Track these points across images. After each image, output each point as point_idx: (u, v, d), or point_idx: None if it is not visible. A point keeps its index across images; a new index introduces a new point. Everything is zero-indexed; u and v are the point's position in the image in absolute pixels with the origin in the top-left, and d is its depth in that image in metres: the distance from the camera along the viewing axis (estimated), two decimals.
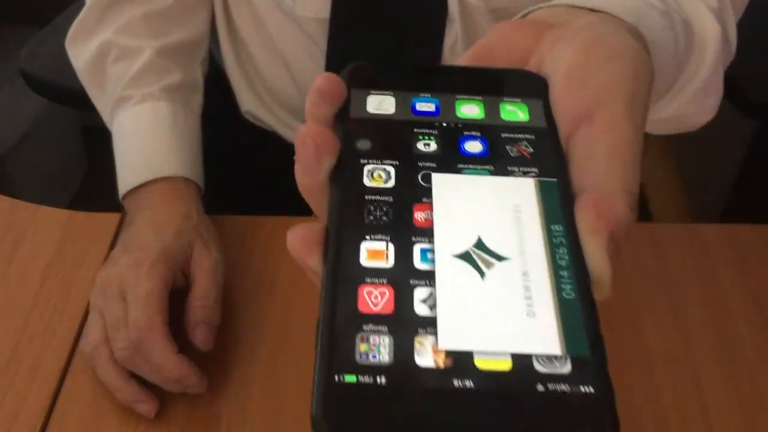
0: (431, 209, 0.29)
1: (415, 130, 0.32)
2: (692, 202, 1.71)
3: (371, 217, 0.29)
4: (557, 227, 0.29)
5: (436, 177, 0.30)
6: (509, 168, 0.30)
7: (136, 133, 0.73)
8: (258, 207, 0.80)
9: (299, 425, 0.60)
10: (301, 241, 0.29)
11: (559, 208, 0.29)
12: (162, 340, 0.58)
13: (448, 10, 0.71)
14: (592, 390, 0.25)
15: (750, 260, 0.72)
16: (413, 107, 0.32)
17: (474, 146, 0.31)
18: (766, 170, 1.46)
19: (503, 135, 0.32)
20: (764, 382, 0.63)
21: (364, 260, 0.28)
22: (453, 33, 0.72)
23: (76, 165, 1.91)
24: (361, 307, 0.27)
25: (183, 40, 0.78)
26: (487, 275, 0.27)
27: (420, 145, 0.31)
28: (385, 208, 0.29)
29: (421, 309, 0.26)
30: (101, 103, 0.78)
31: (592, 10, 0.39)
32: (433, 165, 0.30)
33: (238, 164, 0.93)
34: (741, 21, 0.71)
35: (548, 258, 0.28)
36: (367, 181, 0.30)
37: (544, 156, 0.31)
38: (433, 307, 0.26)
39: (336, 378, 0.26)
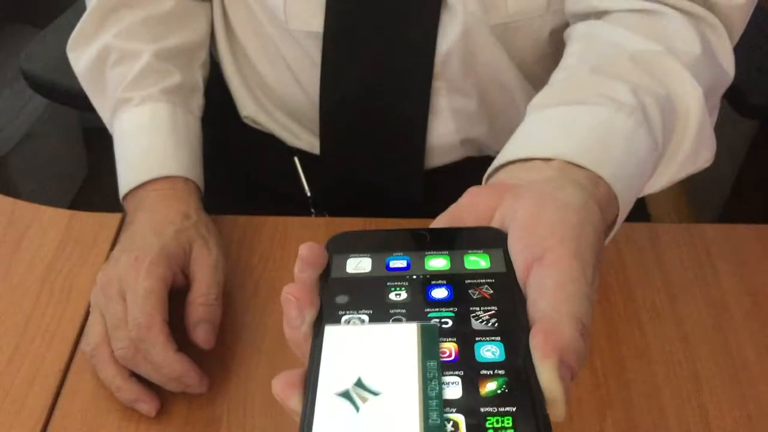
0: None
1: (388, 283, 0.36)
2: (692, 202, 1.72)
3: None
4: (432, 363, 0.33)
5: (327, 329, 0.34)
6: (471, 308, 0.35)
7: (136, 134, 0.74)
8: (258, 207, 0.80)
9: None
10: (283, 385, 0.34)
11: (436, 347, 0.33)
12: (162, 339, 0.59)
13: (439, 23, 0.71)
14: None
15: (749, 260, 0.72)
16: (387, 265, 0.37)
17: (440, 293, 0.36)
18: (765, 171, 1.46)
19: (466, 281, 0.36)
20: (763, 381, 0.63)
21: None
22: (446, 45, 0.72)
23: (76, 165, 1.92)
24: None
25: (182, 43, 0.78)
26: (362, 408, 0.31)
27: (392, 296, 0.36)
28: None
29: None
30: (102, 106, 0.78)
31: (546, 160, 0.45)
32: (404, 311, 0.35)
33: (238, 165, 0.93)
34: None
35: (420, 390, 0.32)
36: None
37: (503, 295, 0.35)
38: None
39: None
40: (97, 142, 1.82)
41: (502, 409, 0.31)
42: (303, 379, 0.33)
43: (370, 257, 0.38)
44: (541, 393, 0.32)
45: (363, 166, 0.83)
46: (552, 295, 0.35)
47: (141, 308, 0.59)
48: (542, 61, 0.75)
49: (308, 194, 0.88)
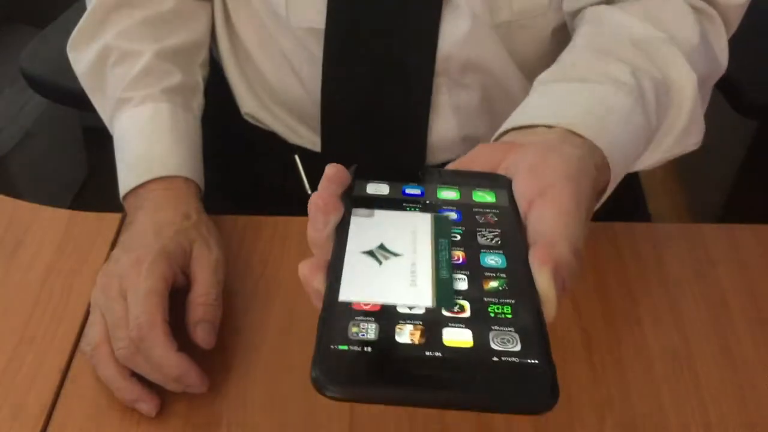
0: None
1: (404, 204, 0.41)
2: (691, 202, 1.72)
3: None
4: (443, 240, 0.39)
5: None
6: (478, 228, 0.40)
7: (137, 134, 0.74)
8: (258, 206, 0.80)
9: (299, 425, 0.60)
10: (310, 266, 0.38)
11: (448, 231, 0.39)
12: (162, 338, 0.59)
13: (442, 19, 0.71)
14: (536, 362, 0.33)
15: (749, 260, 0.72)
16: (403, 191, 0.43)
17: (450, 215, 0.41)
18: (764, 171, 1.46)
19: (474, 209, 0.41)
20: (763, 381, 0.63)
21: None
22: (448, 42, 0.72)
23: (77, 165, 1.92)
24: (354, 306, 0.36)
25: (183, 43, 0.79)
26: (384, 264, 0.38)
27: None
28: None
29: (402, 309, 0.35)
30: (102, 106, 0.78)
31: (550, 127, 0.50)
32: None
33: (239, 164, 0.93)
34: (741, 22, 0.71)
35: (432, 255, 0.38)
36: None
37: (506, 222, 0.40)
38: (412, 308, 0.35)
39: (332, 347, 0.34)
40: (97, 142, 1.81)
41: (502, 300, 0.36)
42: (327, 264, 0.38)
43: (388, 184, 0.43)
44: (537, 294, 0.37)
45: (364, 162, 0.83)
46: (551, 223, 0.40)
47: (142, 308, 0.59)
48: (544, 58, 0.75)
49: (309, 192, 0.88)
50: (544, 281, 0.37)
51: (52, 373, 0.63)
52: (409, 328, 0.34)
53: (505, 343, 0.33)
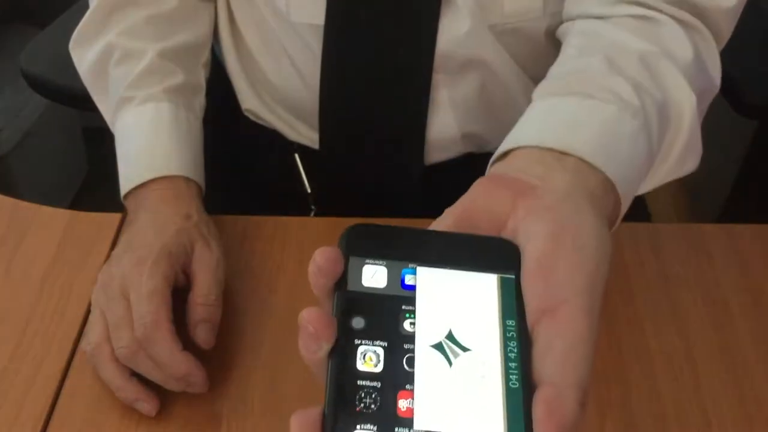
0: (413, 394, 0.33)
1: (403, 307, 0.35)
2: (691, 202, 1.72)
3: (361, 405, 0.33)
4: (510, 322, 0.35)
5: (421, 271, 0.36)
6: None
7: (138, 134, 0.74)
8: (258, 205, 0.80)
9: None
10: (300, 427, 0.34)
11: (513, 302, 0.36)
12: (169, 337, 0.59)
13: (440, 17, 0.71)
14: None
15: (749, 260, 0.72)
16: (402, 280, 0.36)
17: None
18: (765, 171, 1.46)
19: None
20: (763, 381, 0.63)
21: None
22: (446, 39, 0.72)
23: (77, 165, 1.92)
24: None
25: (186, 43, 0.78)
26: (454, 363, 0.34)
27: (406, 325, 0.35)
28: (373, 395, 0.33)
29: None
30: (104, 104, 0.78)
31: (563, 153, 0.45)
32: (414, 346, 0.35)
33: (239, 164, 0.93)
34: (740, 22, 0.71)
35: (501, 350, 0.34)
36: (360, 365, 0.34)
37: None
38: None
39: None
40: (97, 141, 1.82)
41: None
42: (320, 416, 0.33)
43: (385, 267, 0.37)
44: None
45: (363, 160, 0.83)
46: (560, 359, 0.35)
47: (147, 308, 0.59)
48: (540, 61, 0.75)
49: (308, 191, 0.88)
50: None
51: (53, 372, 0.63)
52: None
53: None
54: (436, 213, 0.41)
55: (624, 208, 0.48)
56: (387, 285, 0.36)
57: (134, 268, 0.61)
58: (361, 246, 0.37)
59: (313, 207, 0.89)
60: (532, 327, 0.36)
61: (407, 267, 0.37)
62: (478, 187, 0.42)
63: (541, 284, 0.37)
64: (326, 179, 0.86)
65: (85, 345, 0.62)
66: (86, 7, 0.79)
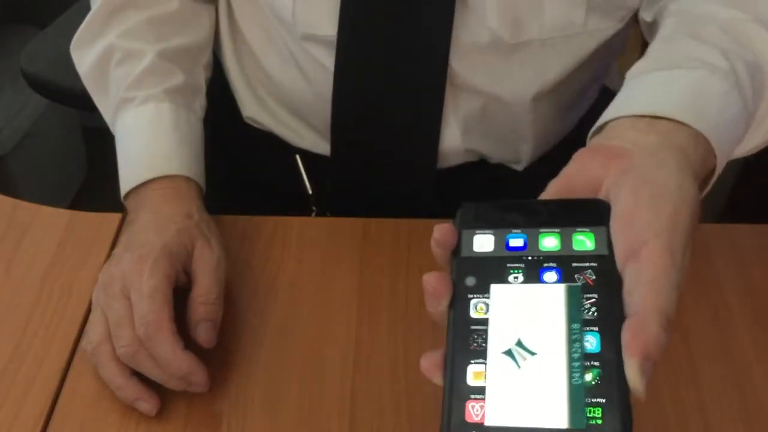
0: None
1: (508, 265, 0.42)
2: None
3: (475, 344, 0.40)
4: (576, 325, 0.40)
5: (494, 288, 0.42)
6: (579, 303, 0.40)
7: (138, 133, 0.74)
8: (258, 206, 0.80)
9: (299, 425, 0.60)
10: (429, 364, 0.41)
11: (579, 307, 0.40)
12: (170, 336, 0.59)
13: (452, 35, 0.71)
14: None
15: (749, 260, 0.72)
16: (507, 244, 0.43)
17: (551, 276, 0.42)
18: (765, 170, 1.46)
19: (574, 265, 0.42)
20: (763, 381, 0.63)
21: (471, 379, 0.39)
22: (458, 58, 0.73)
23: (77, 165, 1.92)
24: (467, 418, 0.38)
25: (186, 44, 0.79)
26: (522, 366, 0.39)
27: (511, 278, 0.42)
28: (485, 337, 0.40)
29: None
30: (104, 105, 0.78)
31: (651, 117, 0.49)
32: None
33: (239, 163, 0.93)
34: None
35: (566, 351, 0.39)
36: (472, 314, 0.41)
37: (604, 282, 0.41)
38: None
39: None
40: (97, 142, 1.82)
41: (595, 399, 0.38)
42: (443, 356, 0.41)
43: (492, 235, 0.44)
44: (626, 382, 0.38)
45: (374, 168, 0.83)
46: (644, 292, 0.40)
47: (149, 307, 0.59)
48: (563, 80, 0.75)
49: (309, 192, 0.88)
50: (632, 374, 0.38)
51: (53, 372, 0.63)
52: None
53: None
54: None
55: (721, 159, 0.50)
56: (493, 249, 0.43)
57: (135, 267, 0.62)
58: (471, 220, 0.44)
59: (314, 208, 0.89)
60: (621, 270, 0.41)
61: (510, 232, 0.43)
62: (576, 158, 0.47)
63: (625, 232, 0.42)
64: (336, 185, 0.86)
65: (85, 344, 0.62)
66: (86, 7, 0.79)
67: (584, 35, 0.72)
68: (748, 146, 0.60)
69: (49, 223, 0.75)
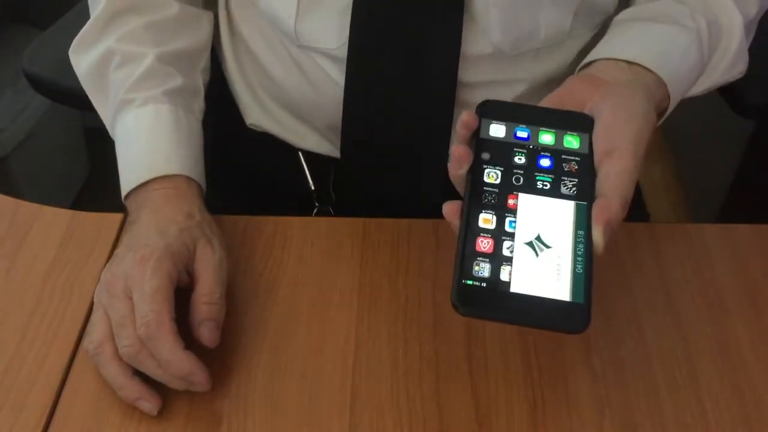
0: (517, 205, 0.54)
1: (515, 149, 0.57)
2: (690, 202, 1.72)
3: (486, 200, 0.54)
4: (581, 232, 0.53)
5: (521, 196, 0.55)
6: (562, 177, 0.55)
7: (138, 134, 0.74)
8: (259, 206, 0.80)
9: (299, 424, 0.61)
10: (450, 210, 0.54)
11: (583, 220, 0.53)
12: (171, 336, 0.59)
13: (462, 50, 0.73)
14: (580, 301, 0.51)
15: (748, 260, 0.72)
16: (515, 133, 0.57)
17: (545, 162, 0.56)
18: (763, 170, 1.46)
19: (563, 156, 0.56)
20: (762, 381, 0.63)
21: (481, 223, 0.53)
22: (466, 71, 0.75)
23: (78, 165, 1.92)
24: (477, 248, 0.52)
25: (185, 48, 0.79)
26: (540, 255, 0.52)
27: (516, 159, 0.56)
28: (493, 195, 0.54)
29: (506, 252, 0.52)
30: (104, 108, 0.79)
31: (629, 62, 0.65)
32: (521, 172, 0.55)
33: (240, 164, 0.93)
34: None
35: (572, 246, 0.53)
36: (485, 179, 0.55)
37: (583, 170, 0.56)
38: (512, 250, 0.52)
39: (463, 281, 0.51)
40: (98, 142, 1.81)
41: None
42: (460, 205, 0.54)
43: (504, 125, 0.57)
44: (591, 240, 0.53)
45: (383, 174, 0.84)
46: (612, 180, 0.54)
47: (150, 306, 0.59)
48: (550, 79, 0.78)
49: (312, 188, 0.88)
50: (597, 235, 0.52)
51: (54, 372, 0.63)
52: (507, 269, 0.51)
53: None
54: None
55: (673, 100, 0.67)
56: (504, 136, 0.57)
57: (137, 267, 0.62)
58: (490, 112, 0.58)
59: (317, 204, 0.89)
60: (597, 165, 0.56)
61: (518, 126, 0.57)
62: (568, 83, 0.62)
63: (603, 139, 0.56)
64: (342, 186, 0.86)
65: (87, 344, 0.62)
66: (87, 8, 0.79)
67: (569, 41, 0.77)
68: (699, 88, 0.74)
69: (51, 223, 0.75)
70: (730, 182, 1.52)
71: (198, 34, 0.81)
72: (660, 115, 0.66)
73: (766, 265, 0.72)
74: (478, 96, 0.76)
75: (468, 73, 0.75)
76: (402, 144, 0.80)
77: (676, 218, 1.70)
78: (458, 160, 0.55)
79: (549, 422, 0.61)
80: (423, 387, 0.62)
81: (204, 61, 0.82)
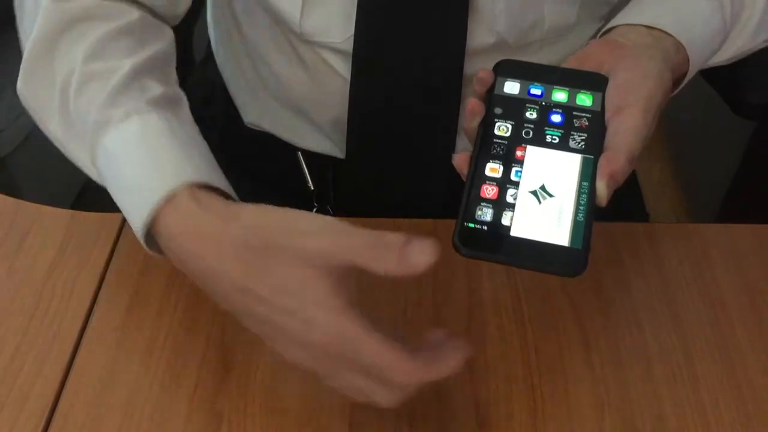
0: (524, 156, 0.55)
1: (527, 105, 0.58)
2: (690, 202, 1.72)
3: (494, 151, 0.55)
4: (585, 183, 0.54)
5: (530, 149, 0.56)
6: (572, 132, 0.56)
7: (130, 150, 0.61)
8: (260, 203, 0.80)
9: (299, 425, 0.61)
10: (460, 160, 0.54)
11: (588, 171, 0.54)
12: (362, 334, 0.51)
13: (468, 42, 0.73)
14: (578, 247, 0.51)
15: (747, 260, 0.72)
16: (529, 91, 0.59)
17: (556, 117, 0.57)
18: (763, 171, 1.46)
19: (574, 113, 0.57)
20: (761, 380, 0.63)
21: (488, 171, 0.54)
22: (471, 64, 0.75)
23: None
24: (482, 194, 0.53)
25: (156, 55, 0.68)
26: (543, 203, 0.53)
27: (527, 114, 0.57)
28: (502, 147, 0.55)
29: (509, 199, 0.53)
30: (75, 146, 0.68)
31: (649, 27, 0.65)
32: (531, 126, 0.57)
33: (238, 162, 0.93)
34: None
35: (576, 196, 0.53)
36: (496, 131, 0.56)
37: (594, 126, 0.57)
38: (515, 198, 0.53)
39: (465, 224, 0.52)
40: None
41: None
42: (470, 155, 0.55)
43: (519, 83, 0.59)
44: (595, 192, 0.53)
45: (388, 172, 0.83)
46: (622, 135, 0.55)
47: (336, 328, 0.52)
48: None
49: (311, 188, 0.88)
50: (601, 187, 0.53)
51: (54, 372, 0.63)
52: (509, 215, 0.52)
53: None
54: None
55: (693, 65, 0.66)
56: (518, 93, 0.58)
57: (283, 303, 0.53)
58: (505, 70, 0.60)
59: (315, 204, 0.89)
60: (608, 120, 0.56)
61: (532, 84, 0.59)
62: (589, 46, 0.63)
63: (616, 97, 0.57)
64: (345, 185, 0.86)
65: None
66: None
67: (573, 33, 0.77)
68: (723, 56, 0.74)
69: (51, 223, 0.75)
70: (730, 182, 1.52)
71: (165, 39, 0.71)
72: (680, 79, 0.66)
73: (766, 264, 0.72)
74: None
75: (470, 64, 0.75)
76: (407, 134, 0.80)
77: (676, 218, 1.70)
78: (471, 112, 0.56)
79: (549, 422, 0.61)
80: (423, 387, 0.62)
81: (174, 71, 0.71)
